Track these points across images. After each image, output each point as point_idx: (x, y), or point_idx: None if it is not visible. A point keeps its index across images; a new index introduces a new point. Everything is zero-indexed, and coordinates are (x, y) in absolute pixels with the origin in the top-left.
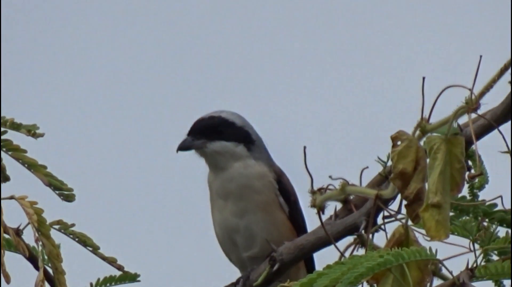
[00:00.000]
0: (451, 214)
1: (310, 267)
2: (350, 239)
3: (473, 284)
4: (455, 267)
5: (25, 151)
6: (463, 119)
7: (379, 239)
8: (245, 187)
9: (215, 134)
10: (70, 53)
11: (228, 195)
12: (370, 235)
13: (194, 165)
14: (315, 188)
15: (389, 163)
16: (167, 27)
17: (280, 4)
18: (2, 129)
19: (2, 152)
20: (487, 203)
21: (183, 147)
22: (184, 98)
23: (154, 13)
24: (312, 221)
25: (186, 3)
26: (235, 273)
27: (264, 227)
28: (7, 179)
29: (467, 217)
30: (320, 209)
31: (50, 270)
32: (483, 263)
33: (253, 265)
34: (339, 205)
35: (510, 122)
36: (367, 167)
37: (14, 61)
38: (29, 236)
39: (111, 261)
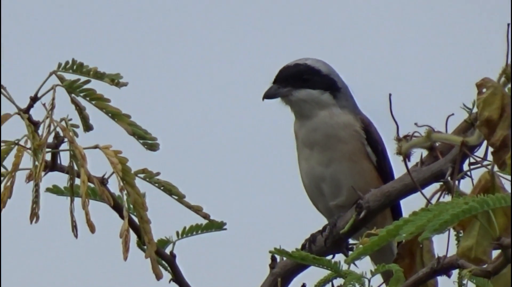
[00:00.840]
0: None
1: (397, 215)
2: (436, 186)
3: None
4: None
5: (108, 101)
6: None
7: (465, 186)
8: (330, 137)
9: (301, 82)
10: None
11: (313, 144)
12: (456, 182)
13: (281, 113)
14: (401, 135)
15: (475, 110)
16: None
17: None
18: (86, 78)
19: (85, 101)
20: None
21: (269, 95)
22: (269, 45)
23: None
24: (398, 169)
25: None
26: (322, 222)
27: (350, 176)
28: (90, 128)
29: None
30: (406, 156)
31: (135, 219)
32: None
33: (338, 213)
34: (425, 152)
35: None
36: (453, 114)
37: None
38: (114, 185)
39: (197, 210)
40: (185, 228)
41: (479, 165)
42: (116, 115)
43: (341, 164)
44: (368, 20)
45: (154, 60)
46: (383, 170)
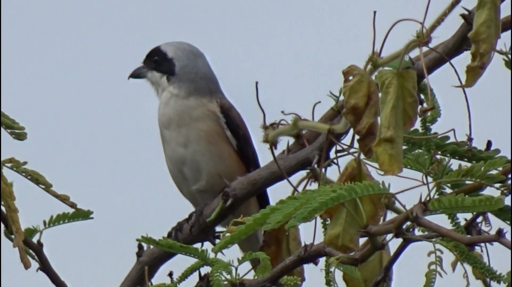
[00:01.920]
0: (403, 147)
1: (264, 202)
2: (303, 173)
3: (426, 217)
4: (408, 201)
5: None
6: (414, 53)
7: (332, 173)
8: (183, 113)
9: (153, 63)
10: None
11: (169, 122)
12: (323, 170)
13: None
14: (268, 123)
15: (341, 97)
16: None
17: None
18: None
19: None
20: (440, 136)
21: (133, 74)
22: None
23: None
24: (264, 157)
25: None
26: (189, 209)
27: (209, 158)
28: None
29: (420, 151)
30: (273, 144)
31: (3, 208)
32: (436, 197)
33: (203, 200)
34: (291, 140)
35: (461, 55)
36: (319, 102)
37: None
38: None
39: (64, 199)
40: (52, 217)
41: (345, 152)
42: None
43: (199, 144)
44: (235, 9)
45: (20, 48)
46: (245, 156)
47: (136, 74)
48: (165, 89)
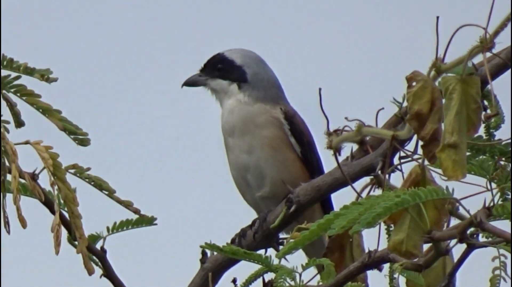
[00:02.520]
0: (467, 153)
1: (328, 209)
2: (366, 179)
3: (490, 223)
4: (472, 206)
5: (39, 96)
6: (478, 59)
7: (396, 179)
8: (247, 120)
9: (216, 71)
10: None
11: (233, 130)
12: (387, 176)
13: (211, 106)
14: (331, 129)
15: (405, 104)
16: None
17: None
18: (16, 74)
19: (16, 97)
20: (504, 143)
21: (187, 82)
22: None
23: None
24: (328, 163)
25: None
26: (253, 216)
27: (272, 165)
28: (21, 124)
29: (484, 157)
30: (337, 151)
31: (66, 214)
32: (500, 202)
33: (266, 206)
34: (355, 147)
35: None
36: (383, 108)
37: (28, 9)
38: (44, 181)
39: (127, 205)
40: (115, 223)
41: (409, 159)
42: (47, 111)
43: (262, 151)
44: (300, 15)
45: (85, 56)
46: (310, 163)
47: (192, 82)
48: (232, 97)
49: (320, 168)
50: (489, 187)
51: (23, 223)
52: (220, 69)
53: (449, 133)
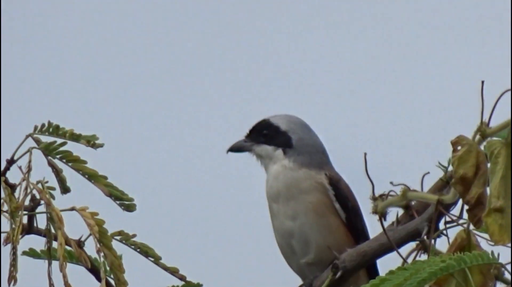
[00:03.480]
0: None
1: (374, 274)
2: (412, 245)
3: None
4: None
5: (85, 162)
6: None
7: (441, 244)
8: (291, 186)
9: (261, 137)
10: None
11: (277, 196)
12: (432, 241)
13: (256, 170)
14: (377, 194)
15: (450, 168)
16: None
17: None
18: (62, 140)
19: (62, 163)
20: None
21: (232, 148)
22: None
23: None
24: (373, 228)
25: None
26: (299, 282)
27: (317, 230)
28: (67, 190)
29: None
30: (382, 216)
31: (112, 281)
32: None
33: (311, 272)
34: (400, 211)
35: None
36: (428, 173)
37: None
38: (90, 247)
39: (173, 271)
40: None
41: (455, 223)
42: (93, 177)
43: (307, 217)
44: (343, 80)
45: (126, 120)
46: (355, 228)
47: (237, 148)
48: (277, 162)
49: (365, 233)
50: None
51: None
52: (265, 135)
53: (495, 197)
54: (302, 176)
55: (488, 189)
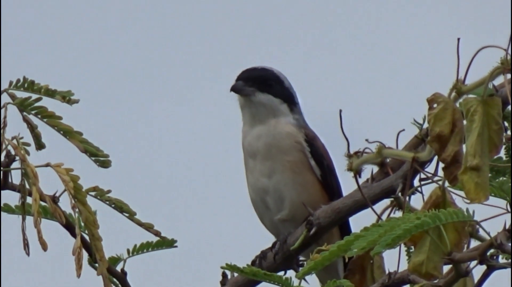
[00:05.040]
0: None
1: (346, 232)
2: (386, 202)
3: (510, 244)
4: (492, 228)
5: (60, 118)
6: (498, 80)
7: (416, 201)
8: (272, 146)
9: (265, 87)
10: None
11: (256, 153)
12: (407, 198)
13: (230, 126)
14: (352, 151)
15: (425, 125)
16: None
17: None
18: (37, 95)
19: (37, 119)
20: None
21: (236, 88)
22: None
23: None
24: (348, 185)
25: None
26: (272, 239)
27: (292, 187)
28: (42, 146)
29: (504, 178)
30: (357, 173)
31: (86, 237)
32: None
33: (285, 229)
34: (375, 169)
35: None
36: (403, 130)
37: (42, 29)
38: (65, 203)
39: (148, 227)
40: (136, 245)
41: (429, 181)
42: (68, 133)
43: (283, 174)
44: (320, 34)
45: (104, 76)
46: (329, 185)
47: (239, 90)
48: (280, 116)
49: (339, 191)
50: (509, 209)
51: (44, 246)
52: (270, 85)
53: (471, 155)
54: (286, 133)
55: (464, 147)
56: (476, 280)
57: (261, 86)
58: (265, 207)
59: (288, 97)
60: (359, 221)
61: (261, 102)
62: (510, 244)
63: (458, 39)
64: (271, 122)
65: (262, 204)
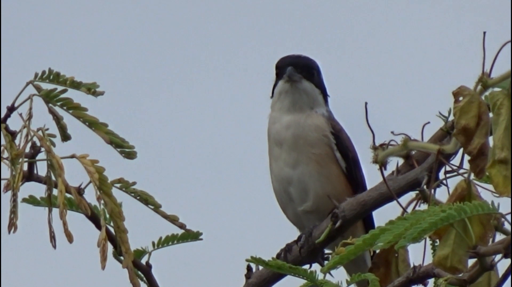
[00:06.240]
0: None
1: (370, 226)
2: (412, 194)
3: None
4: None
5: (85, 109)
6: None
7: (441, 194)
8: (299, 138)
9: (310, 75)
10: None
11: (282, 142)
12: (432, 191)
13: (257, 122)
14: (377, 144)
15: (451, 118)
16: None
17: None
18: (62, 87)
19: (62, 110)
20: None
21: (291, 74)
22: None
23: None
24: (373, 177)
25: None
26: (297, 233)
27: (317, 179)
28: (68, 138)
29: None
30: (382, 165)
31: (111, 229)
32: None
33: (308, 221)
34: (401, 161)
35: None
36: (429, 123)
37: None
38: (90, 195)
39: (173, 220)
40: (161, 238)
41: (455, 173)
42: (94, 124)
43: (308, 166)
44: (344, 30)
45: (131, 68)
46: (354, 178)
47: (290, 73)
48: (317, 107)
49: (364, 184)
50: None
51: (70, 238)
52: (312, 74)
53: (499, 149)
54: (316, 125)
55: (490, 140)
56: (501, 274)
57: (307, 75)
58: (289, 198)
59: (324, 89)
60: (382, 215)
61: (306, 90)
62: None
63: (484, 32)
64: (306, 111)
65: (285, 195)
